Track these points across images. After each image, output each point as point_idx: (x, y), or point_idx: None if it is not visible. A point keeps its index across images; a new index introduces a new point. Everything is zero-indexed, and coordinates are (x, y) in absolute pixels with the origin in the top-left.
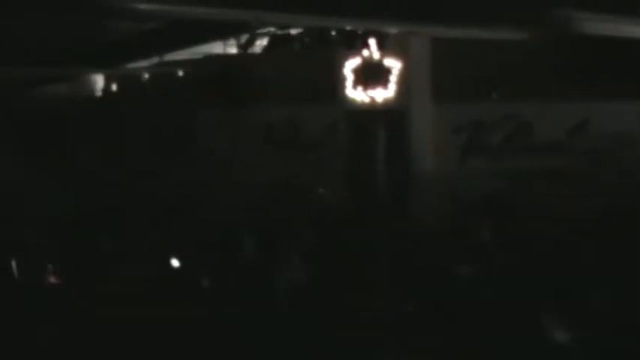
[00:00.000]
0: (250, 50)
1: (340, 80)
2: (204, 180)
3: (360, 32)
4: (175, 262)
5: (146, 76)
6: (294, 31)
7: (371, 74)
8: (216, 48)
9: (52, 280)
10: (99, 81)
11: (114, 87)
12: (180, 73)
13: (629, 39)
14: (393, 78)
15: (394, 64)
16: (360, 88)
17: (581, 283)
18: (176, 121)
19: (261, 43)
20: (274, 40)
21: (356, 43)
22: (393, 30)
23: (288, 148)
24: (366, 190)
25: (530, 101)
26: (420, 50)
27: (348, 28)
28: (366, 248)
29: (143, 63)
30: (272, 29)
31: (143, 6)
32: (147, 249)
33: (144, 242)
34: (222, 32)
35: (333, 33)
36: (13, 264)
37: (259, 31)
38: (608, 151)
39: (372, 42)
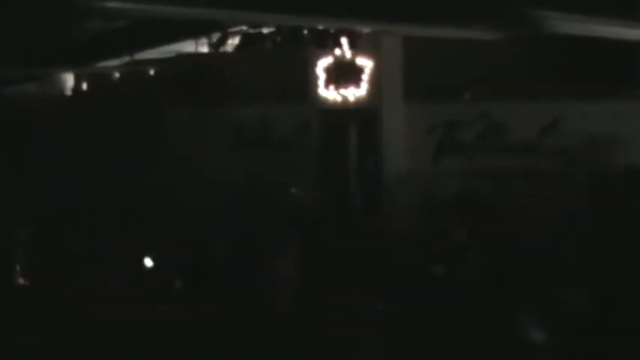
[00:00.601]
0: (222, 49)
1: (312, 79)
2: (173, 180)
3: (332, 31)
4: (147, 263)
5: (116, 75)
6: (266, 30)
7: (343, 73)
8: (188, 47)
9: (22, 280)
10: (68, 80)
11: (84, 86)
12: (151, 72)
13: (602, 39)
14: (365, 77)
15: (366, 63)
16: (332, 87)
17: (557, 283)
18: (147, 121)
19: (233, 41)
20: (246, 39)
21: (328, 42)
22: (365, 29)
23: (259, 147)
24: (339, 190)
25: (503, 101)
26: (392, 49)
27: (320, 26)
28: (339, 249)
29: (113, 62)
30: (244, 28)
31: (113, 4)
32: (117, 249)
33: (115, 242)
34: (193, 31)
35: (306, 32)
36: None
37: (231, 29)
38: (580, 150)
39: (344, 41)
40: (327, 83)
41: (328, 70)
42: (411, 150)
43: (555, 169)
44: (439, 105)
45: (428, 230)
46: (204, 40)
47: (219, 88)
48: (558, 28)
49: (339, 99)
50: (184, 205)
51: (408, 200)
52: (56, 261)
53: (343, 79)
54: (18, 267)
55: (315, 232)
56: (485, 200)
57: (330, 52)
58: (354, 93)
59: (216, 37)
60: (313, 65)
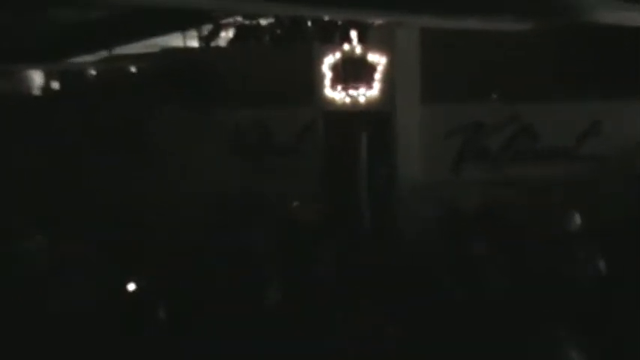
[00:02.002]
0: (214, 43)
1: (317, 78)
2: (158, 192)
3: (339, 23)
4: (125, 279)
5: (92, 72)
6: (264, 22)
7: (352, 71)
8: (175, 40)
9: None
10: (37, 78)
11: (56, 84)
12: (133, 69)
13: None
14: (378, 75)
15: (379, 60)
16: (339, 88)
17: (590, 304)
18: (127, 125)
19: (227, 34)
20: (241, 32)
21: (335, 36)
22: (377, 20)
23: (257, 155)
24: (347, 203)
25: (535, 101)
26: (408, 43)
27: (326, 18)
28: (347, 269)
29: (89, 57)
30: (239, 19)
31: None
32: (90, 257)
33: (88, 249)
34: (181, 22)
35: (309, 24)
36: None
37: (224, 21)
38: (619, 157)
39: (354, 34)
40: (334, 83)
41: (335, 68)
42: (429, 158)
43: (592, 177)
44: (461, 106)
45: (447, 249)
46: (193, 33)
47: (211, 88)
48: (593, 17)
49: (347, 101)
50: (170, 219)
51: (426, 215)
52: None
53: (352, 77)
54: None
55: (320, 252)
56: (514, 214)
57: (338, 47)
58: (365, 94)
59: (207, 29)
60: (318, 62)
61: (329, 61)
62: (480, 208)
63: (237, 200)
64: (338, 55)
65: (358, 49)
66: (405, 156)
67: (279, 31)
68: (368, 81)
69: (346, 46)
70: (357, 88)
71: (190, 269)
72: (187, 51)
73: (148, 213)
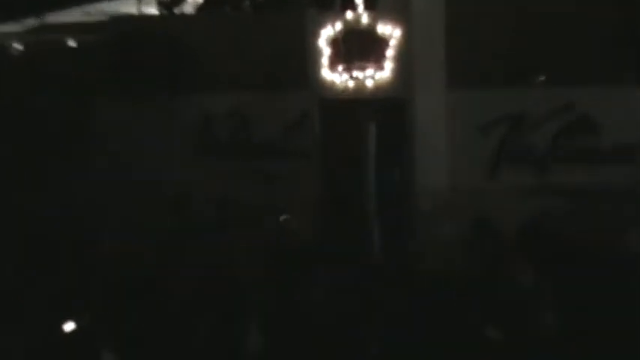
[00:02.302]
0: (178, 9)
1: (312, 55)
2: (102, 200)
3: None
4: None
5: (17, 46)
6: None
7: (357, 47)
8: (125, 6)
9: None
10: None
11: None
12: (71, 44)
13: None
14: (390, 52)
15: (392, 32)
16: (340, 68)
17: None
18: (65, 112)
19: None
20: None
21: (334, 1)
22: None
23: (234, 153)
24: (351, 217)
25: (593, 86)
26: (429, 11)
27: None
28: (350, 304)
29: (12, 27)
30: None
31: None
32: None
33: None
34: None
35: None
36: None
37: None
38: None
39: None
40: (334, 62)
41: (335, 43)
42: (458, 159)
43: None
44: (498, 92)
45: (481, 275)
46: None
47: (174, 68)
48: None
49: (350, 85)
50: (120, 232)
51: (452, 231)
52: None
53: (357, 55)
54: None
55: (314, 279)
56: (568, 232)
57: (339, 15)
58: (374, 76)
59: None
60: (313, 35)
61: (327, 33)
62: (523, 225)
63: (205, 213)
64: (339, 25)
65: (365, 18)
66: (425, 157)
67: None
68: (378, 59)
69: (349, 14)
70: (363, 69)
71: (141, 303)
72: (143, 20)
73: (86, 229)
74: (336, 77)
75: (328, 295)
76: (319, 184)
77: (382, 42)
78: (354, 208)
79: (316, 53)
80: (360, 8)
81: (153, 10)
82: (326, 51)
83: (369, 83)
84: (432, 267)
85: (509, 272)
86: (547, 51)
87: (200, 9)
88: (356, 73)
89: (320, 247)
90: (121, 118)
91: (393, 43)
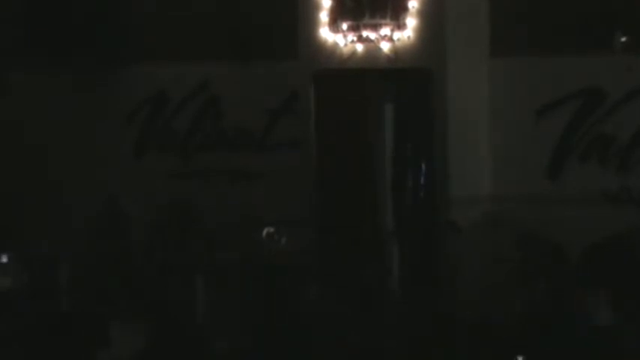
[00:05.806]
0: None
1: (304, 11)
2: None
3: None
4: None
5: None
6: None
7: None
8: None
9: None
10: None
11: None
12: None
13: None
14: (414, 4)
15: None
16: (344, 26)
17: None
18: None
19: None
20: None
21: None
22: None
23: (198, 144)
24: (358, 227)
25: None
26: None
27: None
28: (352, 329)
29: None
30: None
31: None
32: None
33: None
34: None
35: None
36: None
37: None
38: None
39: None
40: (335, 17)
41: None
42: (507, 151)
43: None
44: (562, 61)
45: (540, 315)
46: None
47: (114, 29)
48: None
49: (358, 49)
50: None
51: (499, 253)
52: None
53: (368, 8)
54: None
55: (310, 303)
56: None
57: None
58: (391, 37)
59: None
60: None
61: None
62: (599, 245)
63: (157, 224)
64: None
65: None
66: (460, 149)
67: None
68: (396, 14)
69: None
70: (375, 28)
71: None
72: None
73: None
74: (338, 39)
75: (322, 327)
76: (313, 185)
77: None
78: (359, 219)
79: (310, 7)
80: None
81: None
82: (325, 3)
83: (385, 47)
84: (470, 300)
85: (581, 310)
86: (628, 7)
87: None
88: (366, 33)
89: (313, 269)
90: (40, 99)
91: None
